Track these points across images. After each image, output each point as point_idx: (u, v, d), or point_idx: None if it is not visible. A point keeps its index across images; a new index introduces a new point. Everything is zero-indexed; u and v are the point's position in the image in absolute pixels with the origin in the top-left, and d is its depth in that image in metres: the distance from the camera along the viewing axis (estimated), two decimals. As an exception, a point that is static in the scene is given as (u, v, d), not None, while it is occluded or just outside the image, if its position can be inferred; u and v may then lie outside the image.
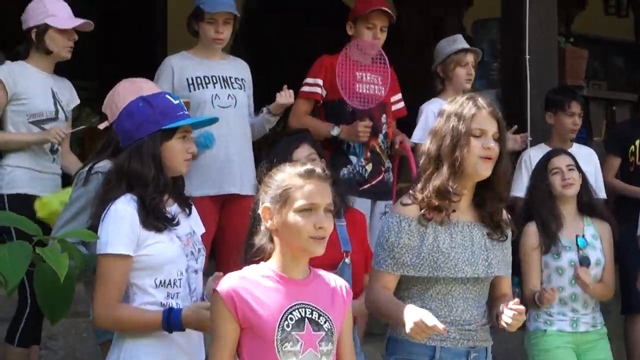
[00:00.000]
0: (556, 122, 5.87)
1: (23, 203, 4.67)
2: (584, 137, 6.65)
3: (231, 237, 4.88)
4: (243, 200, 4.92)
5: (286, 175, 2.90)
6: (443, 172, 3.34)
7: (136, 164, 3.30)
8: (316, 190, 2.89)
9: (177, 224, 3.37)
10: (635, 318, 5.86)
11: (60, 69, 5.07)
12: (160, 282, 3.30)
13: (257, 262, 2.93)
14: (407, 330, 3.10)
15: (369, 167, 5.39)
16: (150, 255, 3.27)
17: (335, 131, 5.30)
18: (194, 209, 3.58)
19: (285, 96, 5.07)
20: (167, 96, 3.49)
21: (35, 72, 4.87)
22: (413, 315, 3.11)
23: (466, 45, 5.82)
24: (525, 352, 4.95)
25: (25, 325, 4.68)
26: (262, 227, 2.92)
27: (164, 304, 3.30)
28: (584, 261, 4.81)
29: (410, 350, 3.37)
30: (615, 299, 5.56)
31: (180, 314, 3.21)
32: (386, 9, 5.49)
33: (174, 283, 3.33)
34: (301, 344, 2.83)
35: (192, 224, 3.51)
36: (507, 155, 3.48)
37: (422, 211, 3.35)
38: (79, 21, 4.86)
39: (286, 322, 2.83)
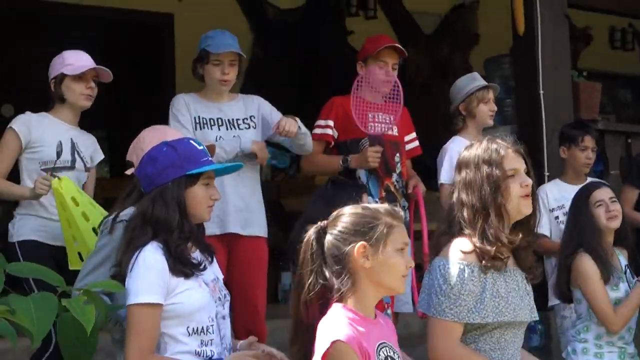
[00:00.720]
0: (570, 157, 5.83)
1: (33, 249, 4.68)
2: (600, 171, 6.63)
3: (238, 278, 4.85)
4: (248, 241, 4.93)
5: (381, 215, 2.92)
6: (493, 221, 3.31)
7: (160, 209, 3.25)
8: (404, 231, 2.96)
9: (204, 268, 3.33)
10: None
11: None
12: (193, 329, 3.25)
13: (324, 303, 2.90)
14: None
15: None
16: (180, 304, 3.22)
17: (345, 162, 5.27)
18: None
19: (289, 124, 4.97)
20: (192, 142, 3.47)
21: (56, 122, 4.89)
22: None
23: (484, 82, 5.79)
24: None
25: None
26: (338, 268, 2.88)
27: (198, 352, 3.26)
28: None
29: None
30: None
31: None
32: (397, 45, 5.50)
33: (207, 330, 3.28)
34: None
35: (215, 270, 3.47)
36: (535, 190, 3.47)
37: (484, 262, 3.30)
38: (88, 66, 4.86)
39: None
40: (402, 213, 2.98)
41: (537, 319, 3.52)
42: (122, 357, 3.36)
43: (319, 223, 2.97)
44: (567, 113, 6.44)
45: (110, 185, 7.19)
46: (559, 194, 5.62)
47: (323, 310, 2.89)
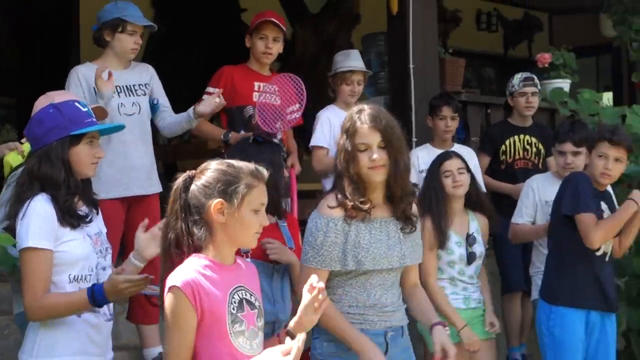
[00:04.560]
0: (433, 125, 5.89)
1: None
2: (462, 137, 6.69)
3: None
4: (147, 199, 4.90)
5: (243, 175, 2.82)
6: (345, 186, 3.39)
7: (46, 167, 3.23)
8: (264, 192, 2.86)
9: (90, 221, 3.34)
10: (511, 297, 6.01)
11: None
12: (74, 277, 3.25)
13: (184, 253, 2.81)
14: None
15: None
16: (66, 252, 3.21)
17: (226, 137, 5.29)
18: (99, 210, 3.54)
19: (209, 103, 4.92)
20: (77, 104, 3.41)
21: None
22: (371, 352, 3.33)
23: (356, 64, 5.71)
24: (420, 332, 4.88)
25: None
26: (197, 218, 2.79)
27: None
28: (471, 257, 4.87)
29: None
30: (495, 282, 5.68)
31: (102, 288, 3.16)
32: (276, 20, 5.41)
33: (85, 278, 3.28)
34: (245, 324, 2.79)
35: (99, 224, 3.47)
36: (401, 155, 3.43)
37: (346, 213, 3.39)
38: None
39: (232, 306, 2.76)
40: (266, 173, 2.88)
41: (408, 264, 3.54)
42: (18, 303, 3.32)
43: (187, 172, 2.86)
44: (433, 85, 6.47)
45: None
46: (427, 158, 5.55)
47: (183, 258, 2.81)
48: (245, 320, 2.79)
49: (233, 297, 2.78)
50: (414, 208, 3.55)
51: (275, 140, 5.08)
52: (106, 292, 3.15)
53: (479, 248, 4.92)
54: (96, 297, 3.14)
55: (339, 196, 3.41)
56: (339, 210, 3.40)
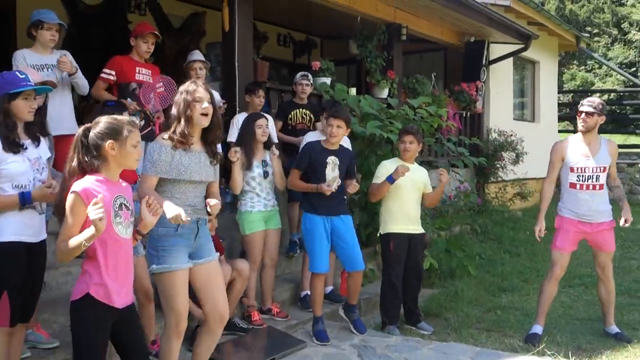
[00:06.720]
0: (250, 101, 5.87)
1: None
2: (266, 109, 6.75)
3: (62, 160, 4.56)
4: (67, 137, 4.64)
5: (124, 124, 2.81)
6: (182, 124, 3.35)
7: None
8: (138, 135, 2.85)
9: (26, 149, 3.22)
10: (293, 205, 5.95)
11: None
12: (16, 185, 3.18)
13: (84, 175, 2.77)
14: (168, 216, 3.16)
15: (142, 122, 5.19)
16: (8, 169, 3.15)
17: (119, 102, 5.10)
18: (43, 142, 3.37)
19: None
20: (17, 73, 3.26)
21: None
22: (173, 209, 3.16)
23: (198, 57, 5.71)
24: (237, 222, 4.97)
25: None
26: (95, 153, 2.76)
27: None
28: (266, 174, 4.90)
29: (166, 224, 3.32)
30: (283, 193, 5.75)
31: (30, 194, 3.15)
32: (156, 32, 5.36)
33: (25, 187, 3.20)
34: (122, 218, 2.79)
35: (40, 152, 3.32)
36: (217, 111, 3.46)
37: (173, 143, 3.37)
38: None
39: (115, 205, 2.77)
40: (137, 122, 2.85)
41: (210, 180, 3.49)
42: None
43: (85, 125, 2.82)
44: (249, 77, 6.47)
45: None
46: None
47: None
48: (123, 217, 2.79)
49: (116, 201, 2.76)
50: (218, 149, 3.54)
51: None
52: (33, 197, 3.13)
53: (270, 169, 4.95)
54: (26, 199, 3.12)
55: (171, 134, 3.38)
56: (169, 142, 3.36)
